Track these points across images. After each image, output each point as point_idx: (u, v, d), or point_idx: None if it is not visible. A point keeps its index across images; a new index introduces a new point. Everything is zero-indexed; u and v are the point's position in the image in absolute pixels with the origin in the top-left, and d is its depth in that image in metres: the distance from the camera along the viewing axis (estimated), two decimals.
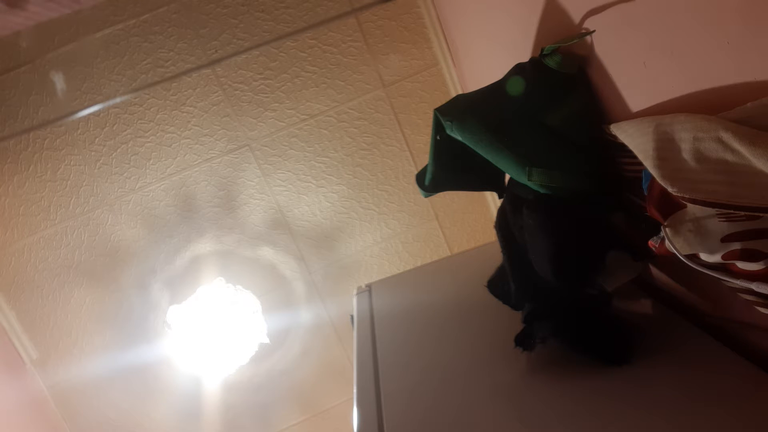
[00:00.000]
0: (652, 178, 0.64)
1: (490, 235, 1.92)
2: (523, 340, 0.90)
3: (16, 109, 1.80)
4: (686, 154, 0.57)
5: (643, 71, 0.69)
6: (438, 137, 0.96)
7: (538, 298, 0.91)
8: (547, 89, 0.85)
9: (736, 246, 0.57)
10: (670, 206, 0.62)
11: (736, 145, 0.51)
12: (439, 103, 0.93)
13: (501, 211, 0.99)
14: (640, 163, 0.65)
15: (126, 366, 1.97)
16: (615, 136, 0.73)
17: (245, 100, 1.88)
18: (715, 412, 0.68)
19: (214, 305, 1.88)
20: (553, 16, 0.90)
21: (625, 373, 0.81)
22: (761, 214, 0.53)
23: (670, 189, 0.60)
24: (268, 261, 2.01)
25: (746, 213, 0.54)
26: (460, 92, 1.93)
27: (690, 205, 0.60)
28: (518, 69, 0.89)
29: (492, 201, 2.04)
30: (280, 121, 1.91)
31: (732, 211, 0.55)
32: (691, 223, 0.59)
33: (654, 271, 0.95)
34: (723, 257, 0.58)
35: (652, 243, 0.67)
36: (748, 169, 0.51)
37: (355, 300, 1.38)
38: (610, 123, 0.75)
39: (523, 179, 0.84)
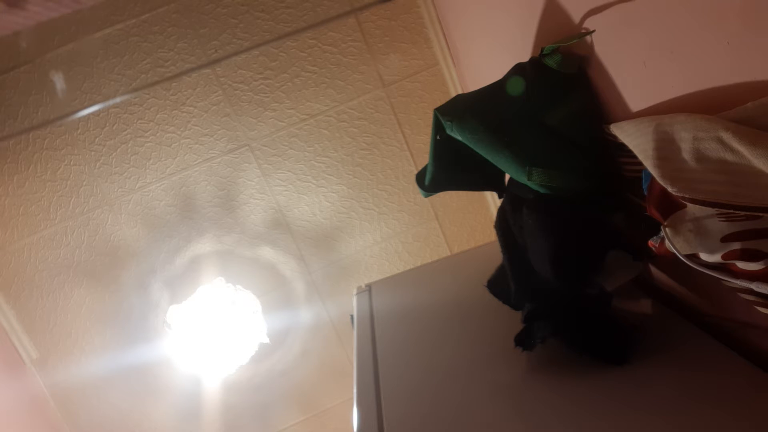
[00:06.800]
0: (652, 178, 0.64)
1: (490, 235, 1.93)
2: (523, 340, 0.90)
3: (16, 109, 1.80)
4: (686, 154, 0.57)
5: (643, 71, 0.69)
6: (438, 137, 0.96)
7: (538, 298, 0.91)
8: (547, 89, 0.85)
9: (736, 246, 0.57)
10: (670, 206, 0.62)
11: (736, 145, 0.51)
12: (439, 103, 0.93)
13: (501, 211, 0.99)
14: (640, 163, 0.65)
15: (126, 366, 1.97)
16: (615, 136, 0.73)
17: (245, 100, 1.88)
18: (715, 412, 0.68)
19: (214, 305, 1.88)
20: (553, 16, 0.90)
21: (625, 373, 0.81)
22: (761, 214, 0.53)
23: (670, 189, 0.60)
24: (268, 261, 2.01)
25: (746, 213, 0.54)
26: (460, 92, 1.93)
27: (690, 205, 0.60)
28: (518, 69, 0.89)
29: (492, 201, 2.04)
30: (280, 121, 1.91)
31: (732, 211, 0.55)
32: (691, 222, 0.59)
33: (654, 271, 0.95)
34: (723, 257, 0.58)
35: (652, 243, 0.67)
36: (748, 169, 0.51)
37: (355, 300, 1.38)
38: (610, 123, 0.75)
39: (523, 179, 0.84)
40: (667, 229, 0.62)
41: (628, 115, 0.77)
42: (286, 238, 2.00)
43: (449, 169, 1.02)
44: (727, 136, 0.52)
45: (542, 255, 0.86)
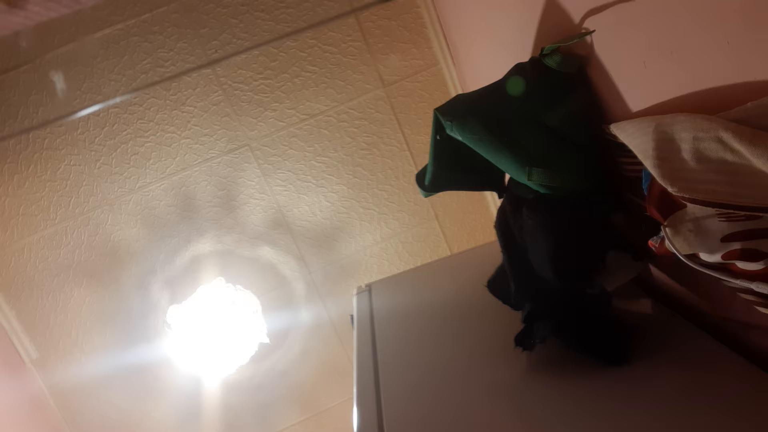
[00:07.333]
0: (652, 178, 0.64)
1: (490, 235, 1.92)
2: (523, 340, 0.90)
3: (16, 109, 1.80)
4: (686, 153, 0.57)
5: (643, 71, 0.69)
6: (438, 137, 0.96)
7: (538, 298, 0.91)
8: (547, 89, 0.85)
9: (736, 246, 0.57)
10: (670, 206, 0.62)
11: (736, 144, 0.51)
12: (439, 103, 0.93)
13: (501, 211, 0.99)
14: (640, 163, 0.65)
15: (126, 366, 1.97)
16: (615, 136, 0.73)
17: (245, 100, 1.88)
18: (715, 412, 0.68)
19: (214, 305, 1.88)
20: (553, 16, 0.90)
21: (625, 373, 0.81)
22: (761, 214, 0.53)
23: (669, 189, 0.60)
24: (268, 261, 2.01)
25: (746, 213, 0.54)
26: (460, 92, 1.93)
27: (690, 205, 0.60)
28: (518, 69, 0.89)
29: (492, 201, 2.04)
30: (280, 120, 1.91)
31: (732, 211, 0.55)
32: (690, 222, 0.59)
33: (654, 271, 0.95)
34: (723, 257, 0.58)
35: (652, 243, 0.67)
36: (748, 168, 0.51)
37: (355, 300, 1.38)
38: (610, 123, 0.75)
39: (523, 179, 0.84)
40: (667, 229, 0.61)
41: (628, 115, 0.77)
42: (286, 238, 2.00)
43: (449, 169, 1.02)
44: (727, 136, 0.52)
45: (542, 255, 0.86)
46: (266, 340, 1.99)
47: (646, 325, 0.91)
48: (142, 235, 1.93)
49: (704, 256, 0.61)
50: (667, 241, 0.62)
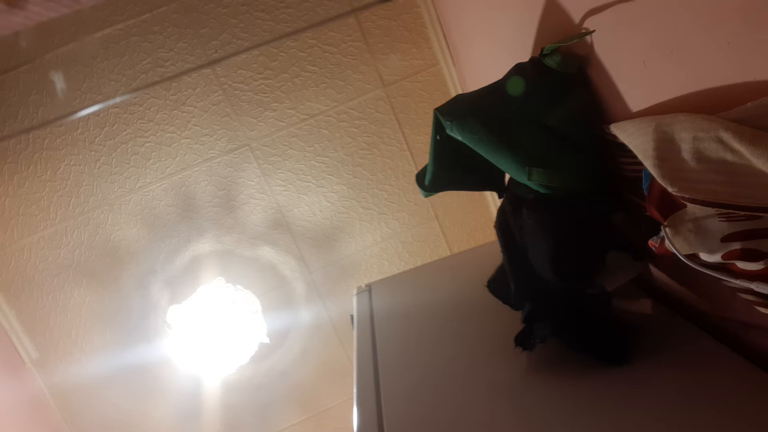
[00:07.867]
0: (652, 178, 0.64)
1: (490, 235, 1.92)
2: (523, 340, 0.90)
3: (16, 109, 1.80)
4: (686, 153, 0.57)
5: (643, 71, 0.69)
6: (438, 137, 0.96)
7: (538, 298, 0.91)
8: (547, 89, 0.85)
9: (736, 246, 0.57)
10: (670, 206, 0.62)
11: (736, 144, 0.51)
12: (439, 103, 0.93)
13: (501, 211, 0.99)
14: (640, 163, 0.65)
15: (126, 366, 1.97)
16: (615, 136, 0.73)
17: (245, 100, 1.88)
18: (715, 412, 0.68)
19: (214, 305, 1.88)
20: (553, 16, 0.90)
21: (625, 373, 0.81)
22: (761, 214, 0.53)
23: (669, 189, 0.60)
24: (268, 261, 2.01)
25: (746, 213, 0.54)
26: (460, 92, 1.93)
27: (690, 205, 0.60)
28: (518, 69, 0.89)
29: (492, 201, 2.04)
30: (280, 120, 1.91)
31: (732, 211, 0.55)
32: (690, 222, 0.59)
33: (654, 271, 0.95)
34: (723, 257, 0.58)
35: (652, 243, 0.67)
36: (748, 168, 0.51)
37: (355, 300, 1.38)
38: (610, 123, 0.75)
39: (523, 179, 0.84)
40: (667, 229, 0.61)
41: (628, 115, 0.77)
42: (286, 238, 2.00)
43: (449, 169, 1.02)
44: (727, 136, 0.52)
45: (542, 255, 0.86)
46: (266, 340, 1.99)
47: (646, 325, 0.91)
48: (142, 235, 1.93)
49: (704, 256, 0.61)
50: (667, 241, 0.62)
